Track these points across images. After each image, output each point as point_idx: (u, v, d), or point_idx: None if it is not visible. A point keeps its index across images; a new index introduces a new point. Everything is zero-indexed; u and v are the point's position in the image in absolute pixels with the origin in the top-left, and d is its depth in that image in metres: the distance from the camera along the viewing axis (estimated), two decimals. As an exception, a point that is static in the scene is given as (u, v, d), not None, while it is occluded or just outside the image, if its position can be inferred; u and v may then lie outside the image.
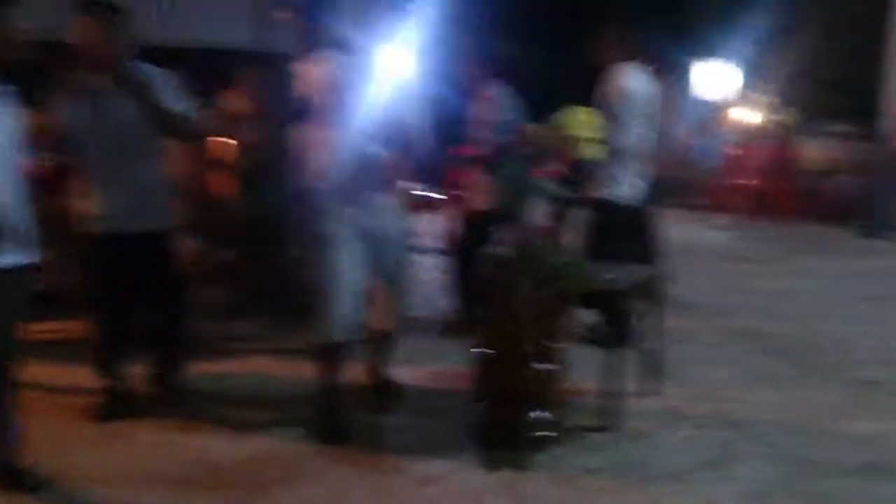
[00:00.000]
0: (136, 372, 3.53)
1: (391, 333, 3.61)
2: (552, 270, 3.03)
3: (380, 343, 3.64)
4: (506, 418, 3.17)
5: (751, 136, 12.53)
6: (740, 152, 12.44)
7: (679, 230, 8.85)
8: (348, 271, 3.26)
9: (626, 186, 4.21)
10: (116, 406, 3.42)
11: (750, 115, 12.90)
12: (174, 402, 3.52)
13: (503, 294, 3.04)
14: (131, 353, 3.49)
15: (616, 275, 3.39)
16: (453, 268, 3.70)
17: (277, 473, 2.94)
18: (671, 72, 11.43)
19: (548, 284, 3.04)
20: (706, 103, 12.91)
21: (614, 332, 3.24)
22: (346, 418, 3.29)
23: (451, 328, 4.51)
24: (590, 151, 3.30)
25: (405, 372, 3.79)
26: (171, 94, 3.28)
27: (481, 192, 4.12)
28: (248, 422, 3.37)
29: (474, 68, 4.23)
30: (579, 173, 3.41)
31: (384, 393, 3.67)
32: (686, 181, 11.91)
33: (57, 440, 3.13)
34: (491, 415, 3.23)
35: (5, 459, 2.75)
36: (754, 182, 11.67)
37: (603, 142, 3.47)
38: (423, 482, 2.88)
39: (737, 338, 4.84)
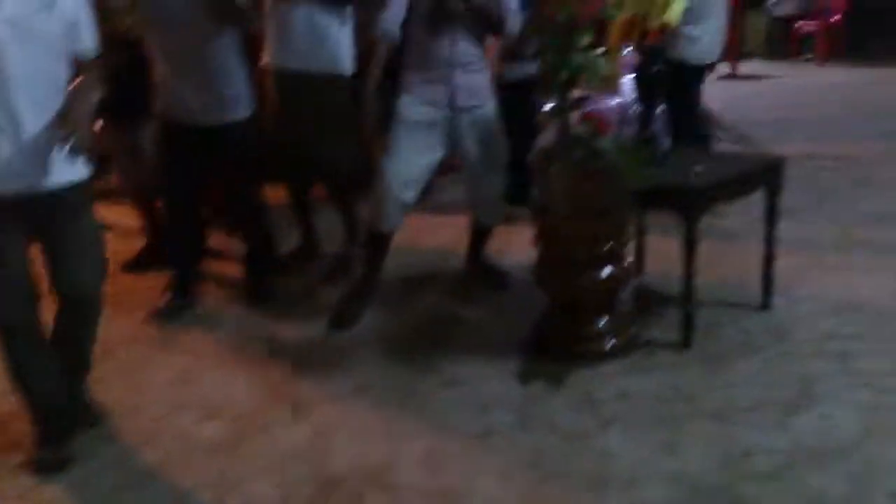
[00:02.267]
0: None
1: (487, 224, 3.44)
2: (605, 162, 2.56)
3: (478, 233, 3.49)
4: (558, 324, 2.88)
5: None
6: None
7: None
8: (405, 157, 3.08)
9: (706, 44, 3.82)
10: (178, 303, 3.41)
11: None
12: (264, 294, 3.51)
13: (544, 189, 2.65)
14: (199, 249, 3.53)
15: (707, 166, 2.79)
16: None
17: (321, 358, 2.97)
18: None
19: (600, 178, 2.59)
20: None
21: (685, 237, 2.70)
22: (357, 308, 3.21)
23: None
24: (675, 15, 2.64)
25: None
26: None
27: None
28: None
29: None
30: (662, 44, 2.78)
31: (487, 279, 3.52)
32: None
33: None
34: (544, 318, 2.94)
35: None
36: None
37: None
38: (447, 384, 2.72)
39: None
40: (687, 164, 2.82)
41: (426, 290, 3.52)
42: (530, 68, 4.02)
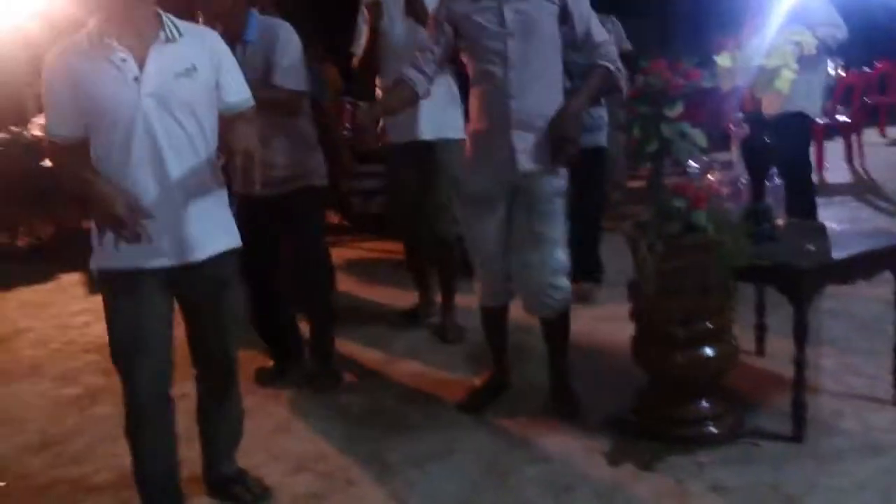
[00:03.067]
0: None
1: (536, 313, 2.90)
2: (701, 237, 2.44)
3: (544, 330, 2.95)
4: (654, 404, 2.73)
5: None
6: None
7: None
8: (486, 233, 2.82)
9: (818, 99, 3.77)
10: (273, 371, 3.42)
11: None
12: (328, 380, 3.35)
13: (637, 263, 2.56)
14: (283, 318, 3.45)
15: (822, 245, 2.58)
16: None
17: (416, 419, 3.00)
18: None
19: (694, 254, 2.47)
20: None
21: (795, 320, 2.49)
22: (486, 398, 3.01)
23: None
24: (786, 83, 2.50)
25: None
26: (292, 51, 3.03)
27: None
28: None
29: None
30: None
31: (555, 398, 2.97)
32: None
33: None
34: (641, 396, 2.80)
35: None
36: None
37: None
38: (532, 460, 2.64)
39: None
40: (799, 242, 2.63)
41: (524, 358, 3.35)
42: (600, 138, 3.95)
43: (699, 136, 2.40)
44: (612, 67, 2.69)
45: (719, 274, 2.49)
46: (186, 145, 2.14)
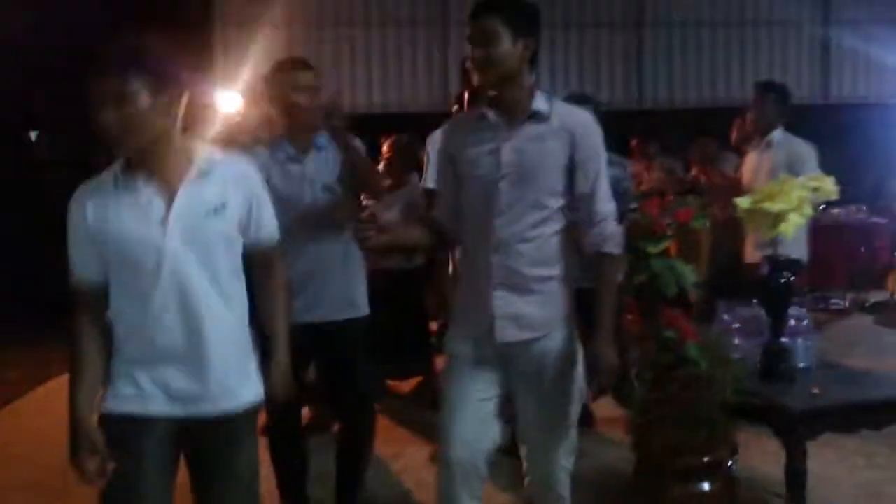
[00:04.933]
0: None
1: None
2: (692, 370, 2.48)
3: None
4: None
5: None
6: None
7: None
8: (459, 414, 2.25)
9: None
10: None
11: None
12: None
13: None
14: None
15: (839, 387, 2.52)
16: None
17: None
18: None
19: (684, 386, 2.51)
20: None
21: (787, 467, 2.43)
22: None
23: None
24: (791, 229, 2.53)
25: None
26: None
27: None
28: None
29: None
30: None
31: None
32: None
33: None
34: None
35: None
36: None
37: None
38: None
39: None
40: (808, 383, 2.59)
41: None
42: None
43: (688, 272, 2.48)
44: (618, 253, 2.26)
45: (710, 409, 2.50)
46: (215, 287, 1.95)
